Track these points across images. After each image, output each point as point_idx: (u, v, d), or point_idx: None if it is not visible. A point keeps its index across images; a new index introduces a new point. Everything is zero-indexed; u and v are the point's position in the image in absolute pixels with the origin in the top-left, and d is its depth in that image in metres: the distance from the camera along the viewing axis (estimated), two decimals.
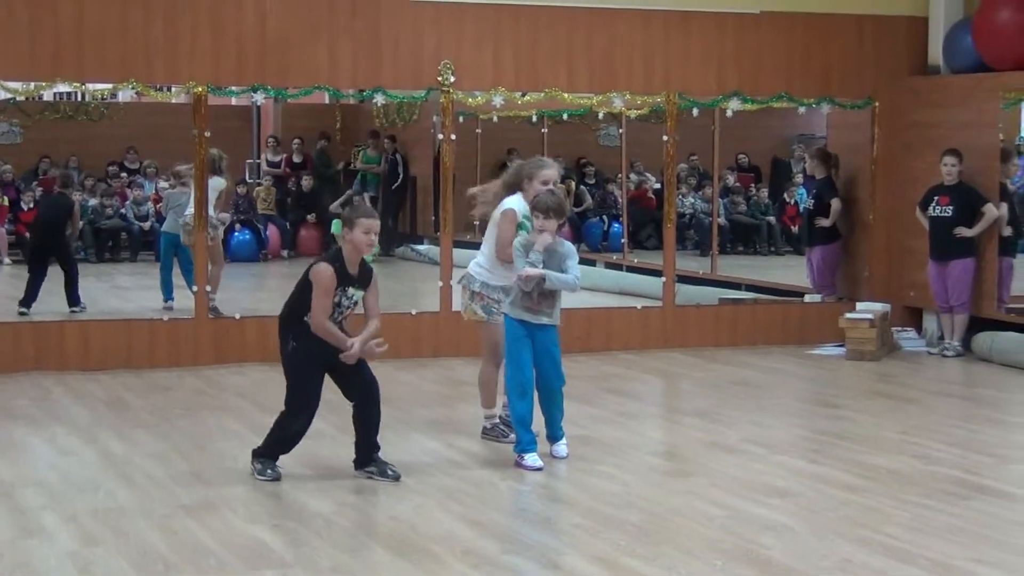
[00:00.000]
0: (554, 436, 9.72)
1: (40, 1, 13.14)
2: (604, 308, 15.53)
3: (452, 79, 14.18)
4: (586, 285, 17.44)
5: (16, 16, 13.08)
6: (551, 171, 10.02)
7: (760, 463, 9.70)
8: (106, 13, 13.28)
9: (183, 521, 8.08)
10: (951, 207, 14.37)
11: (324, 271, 8.82)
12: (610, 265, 20.05)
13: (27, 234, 19.65)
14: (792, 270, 18.16)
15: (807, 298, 15.82)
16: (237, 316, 13.90)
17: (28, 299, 15.60)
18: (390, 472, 9.11)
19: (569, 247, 9.53)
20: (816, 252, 15.93)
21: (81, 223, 22.04)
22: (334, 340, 8.86)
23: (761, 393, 12.68)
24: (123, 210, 22.98)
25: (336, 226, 8.99)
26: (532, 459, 9.39)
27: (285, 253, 23.09)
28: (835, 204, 15.60)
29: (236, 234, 22.02)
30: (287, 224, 23.53)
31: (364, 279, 9.00)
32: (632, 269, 19.20)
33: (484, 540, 7.75)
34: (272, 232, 22.98)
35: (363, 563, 7.33)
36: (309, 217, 23.51)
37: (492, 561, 7.36)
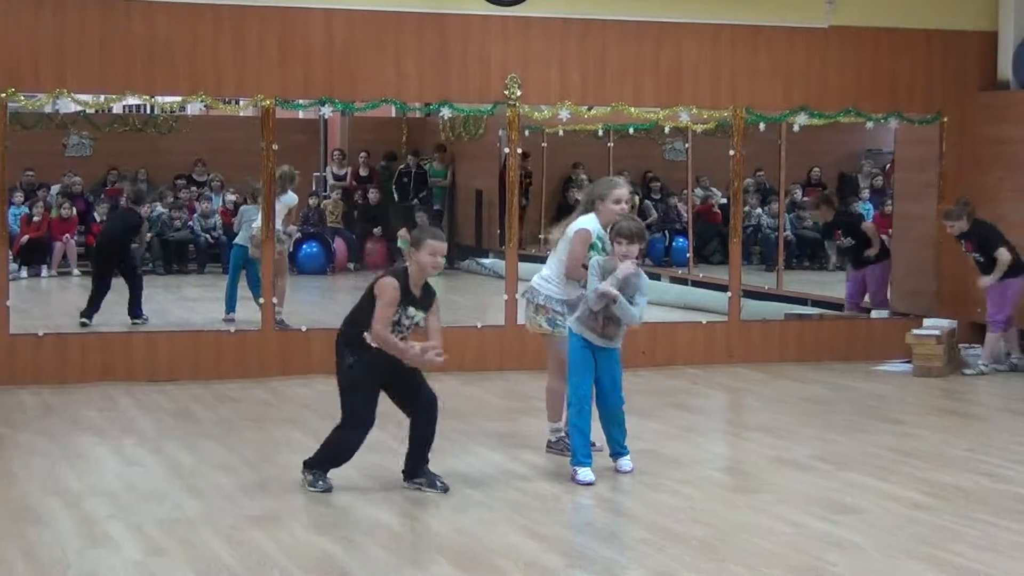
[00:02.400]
0: (617, 453, 9.72)
1: (111, 15, 13.27)
2: (669, 322, 15.51)
3: (519, 93, 14.21)
4: (651, 300, 17.50)
5: (88, 30, 13.21)
6: (622, 190, 10.00)
7: (826, 479, 9.65)
8: (176, 27, 13.40)
9: (249, 532, 8.12)
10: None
11: (390, 284, 8.84)
12: (675, 280, 20.02)
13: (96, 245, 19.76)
14: None
15: (874, 314, 15.76)
16: (303, 328, 13.95)
17: (90, 310, 15.71)
18: (439, 484, 9.12)
19: (645, 282, 9.49)
20: (871, 270, 15.88)
21: (149, 235, 22.30)
22: (393, 349, 8.86)
23: (827, 409, 12.62)
24: (191, 222, 23.15)
25: (403, 242, 9.03)
26: (584, 473, 9.37)
27: (351, 266, 23.15)
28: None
29: (304, 247, 22.10)
30: (353, 237, 23.60)
31: (426, 301, 9.00)
32: (697, 284, 19.17)
33: (548, 554, 7.75)
34: (339, 245, 23.05)
35: (427, 575, 7.36)
36: (375, 230, 23.55)
37: (556, 575, 7.35)
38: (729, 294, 15.13)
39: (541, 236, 20.38)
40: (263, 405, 12.41)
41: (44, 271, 21.91)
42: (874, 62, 15.20)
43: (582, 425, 9.43)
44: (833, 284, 18.38)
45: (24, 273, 21.48)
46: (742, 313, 15.18)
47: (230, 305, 16.24)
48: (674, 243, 22.30)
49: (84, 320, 15.57)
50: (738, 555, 7.72)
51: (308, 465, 9.21)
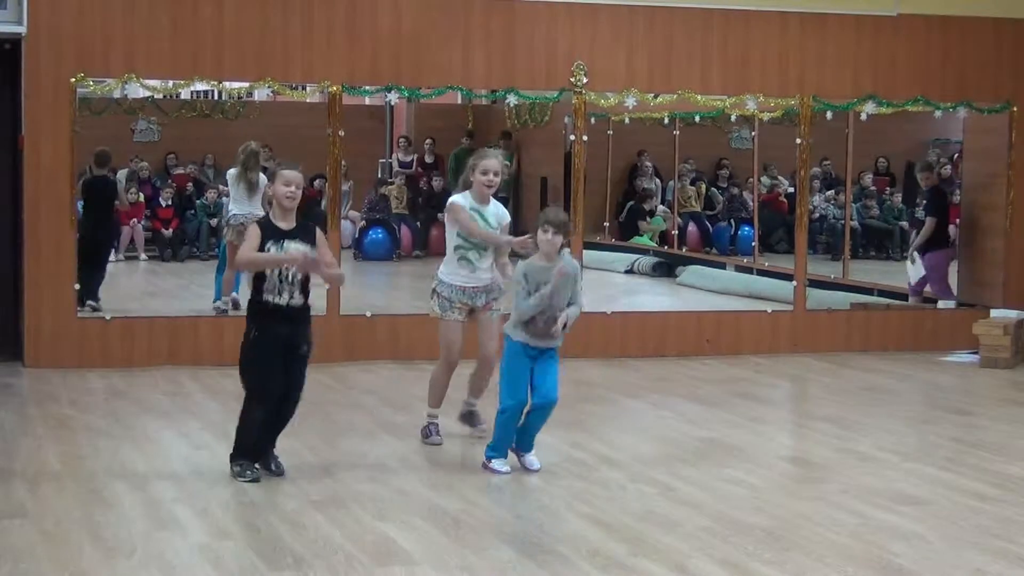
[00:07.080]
0: (526, 447, 9.42)
1: (181, 2, 13.35)
2: (734, 311, 15.46)
3: (585, 80, 14.19)
4: (716, 288, 17.54)
5: (157, 16, 13.30)
6: (489, 161, 9.95)
7: (891, 470, 9.60)
8: (244, 13, 13.47)
9: (312, 516, 8.16)
10: None
11: (250, 228, 9.09)
12: (740, 268, 19.93)
13: (162, 230, 19.96)
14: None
15: (940, 304, 15.65)
16: (368, 314, 13.99)
17: (86, 292, 14.57)
18: (273, 467, 9.12)
19: (574, 267, 9.20)
20: (928, 258, 15.78)
21: (214, 220, 22.40)
22: (266, 262, 8.94)
23: (893, 399, 12.55)
24: None
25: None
26: (500, 463, 9.25)
27: (417, 253, 23.19)
28: (928, 223, 15.53)
29: (370, 233, 22.18)
30: (418, 224, 23.64)
31: (305, 236, 9.00)
32: (762, 272, 19.07)
33: (612, 542, 7.74)
34: (404, 232, 23.10)
35: (490, 562, 7.34)
36: (440, 217, 23.56)
37: (620, 563, 7.33)
38: (794, 283, 15.07)
39: (606, 224, 20.37)
40: (327, 390, 12.44)
41: (111, 255, 22.05)
42: (943, 50, 15.09)
43: (511, 428, 9.27)
44: (899, 274, 18.26)
45: None
46: (807, 302, 15.12)
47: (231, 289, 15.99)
48: (740, 232, 22.19)
49: (91, 303, 14.67)
50: (802, 545, 7.69)
51: (231, 457, 9.16)
